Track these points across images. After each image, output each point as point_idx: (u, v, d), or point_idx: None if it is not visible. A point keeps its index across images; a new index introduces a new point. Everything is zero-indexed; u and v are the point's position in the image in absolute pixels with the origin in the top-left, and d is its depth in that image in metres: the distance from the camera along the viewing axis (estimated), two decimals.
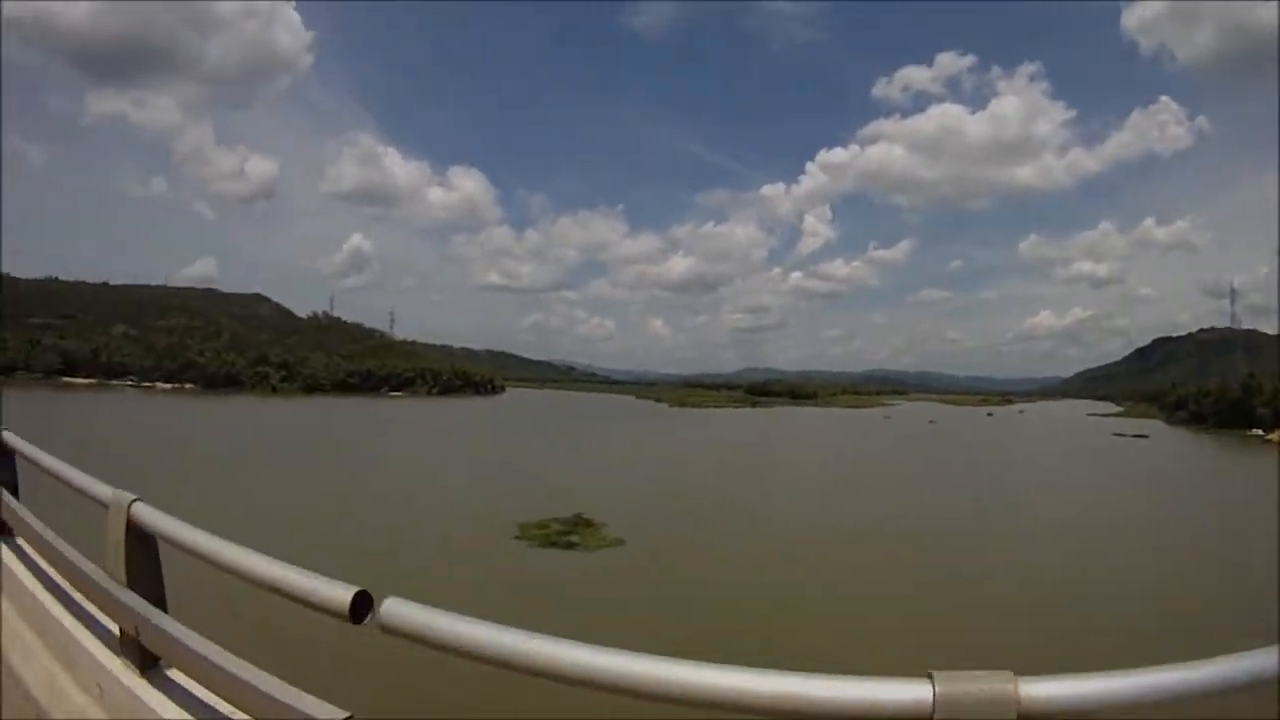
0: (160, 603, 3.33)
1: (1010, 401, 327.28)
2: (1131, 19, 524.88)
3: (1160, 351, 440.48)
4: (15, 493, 5.30)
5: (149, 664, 3.26)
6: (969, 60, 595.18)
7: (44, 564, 4.51)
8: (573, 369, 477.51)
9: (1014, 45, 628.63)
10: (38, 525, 4.53)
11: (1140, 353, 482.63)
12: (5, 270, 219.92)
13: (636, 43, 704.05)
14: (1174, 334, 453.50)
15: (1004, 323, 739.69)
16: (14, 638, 4.31)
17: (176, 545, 3.06)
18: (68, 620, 3.91)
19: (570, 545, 30.63)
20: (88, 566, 3.75)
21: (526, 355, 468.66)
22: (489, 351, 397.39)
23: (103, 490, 3.59)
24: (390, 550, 27.13)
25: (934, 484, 54.47)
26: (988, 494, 49.79)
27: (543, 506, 36.04)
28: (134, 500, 3.31)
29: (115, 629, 3.51)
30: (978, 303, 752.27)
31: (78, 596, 3.99)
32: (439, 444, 73.75)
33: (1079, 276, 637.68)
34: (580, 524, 33.35)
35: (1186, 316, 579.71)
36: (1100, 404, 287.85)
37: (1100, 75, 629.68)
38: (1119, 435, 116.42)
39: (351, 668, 12.01)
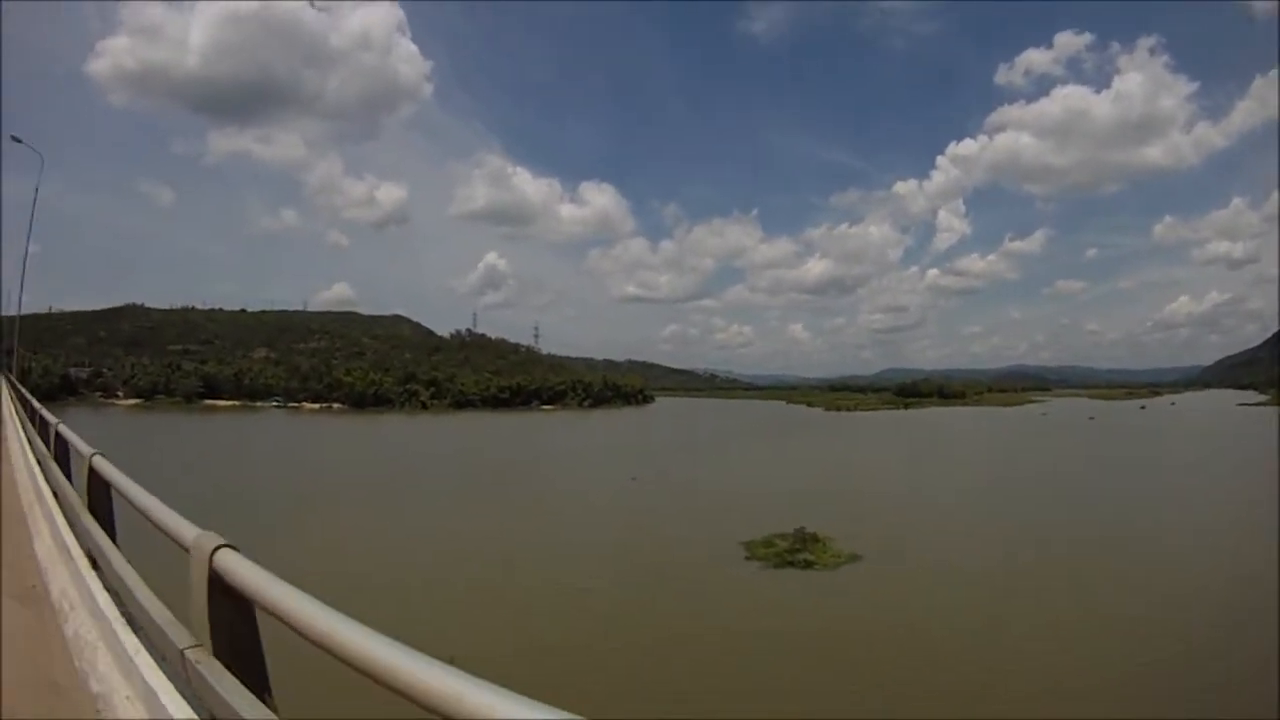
0: (256, 678, 2.54)
1: (1157, 393, 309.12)
2: None
3: None
4: (111, 527, 4.89)
5: None
6: (1087, 38, 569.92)
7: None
8: (715, 376, 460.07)
9: (1130, 19, 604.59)
10: (123, 569, 3.99)
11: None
12: (140, 302, 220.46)
13: (756, 49, 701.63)
14: None
15: (1143, 311, 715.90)
16: (108, 693, 3.55)
17: (266, 608, 2.32)
18: (159, 682, 3.08)
19: (808, 564, 28.86)
20: (167, 623, 3.06)
21: (667, 364, 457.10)
22: (630, 362, 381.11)
23: (186, 530, 2.95)
24: (642, 581, 26.38)
25: (1153, 490, 50.18)
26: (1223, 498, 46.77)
27: (754, 522, 34.65)
28: (220, 546, 2.59)
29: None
30: (1115, 291, 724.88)
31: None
32: (620, 460, 67.65)
33: (1215, 257, 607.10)
34: (808, 540, 31.01)
35: None
36: (1244, 393, 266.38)
37: (1218, 43, 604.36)
38: None
39: None
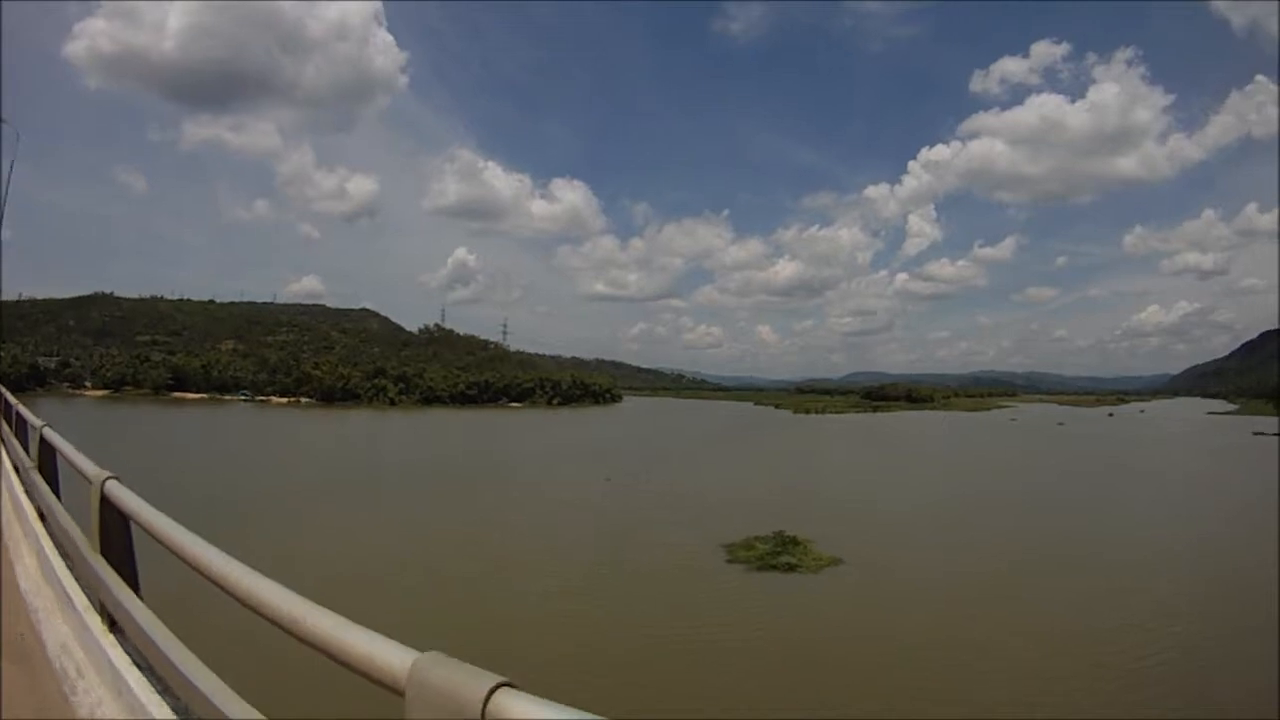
0: None
1: (1124, 400, 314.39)
2: None
3: (1270, 345, 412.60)
4: (132, 575, 3.80)
5: None
6: (1064, 48, 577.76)
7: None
8: (683, 376, 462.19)
9: (1108, 30, 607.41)
10: (162, 638, 3.07)
11: (1248, 347, 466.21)
12: (110, 290, 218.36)
13: (733, 49, 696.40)
14: None
15: (1111, 319, 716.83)
16: None
17: None
18: None
19: (790, 567, 28.85)
20: None
21: (634, 363, 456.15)
22: (599, 360, 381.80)
23: (397, 660, 1.79)
24: (626, 585, 26.18)
25: (1140, 493, 52.62)
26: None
27: (732, 524, 35.16)
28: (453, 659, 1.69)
29: None
30: (1084, 300, 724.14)
31: None
32: (592, 460, 66.95)
33: (1185, 268, 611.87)
34: (788, 543, 31.41)
35: None
36: (1212, 401, 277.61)
37: (1195, 57, 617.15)
38: (1259, 434, 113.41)
39: None
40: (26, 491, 6.97)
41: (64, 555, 4.95)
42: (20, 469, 7.88)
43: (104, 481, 3.93)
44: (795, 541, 31.47)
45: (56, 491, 5.95)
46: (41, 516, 6.01)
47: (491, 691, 1.58)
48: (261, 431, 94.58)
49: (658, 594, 25.16)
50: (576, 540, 33.75)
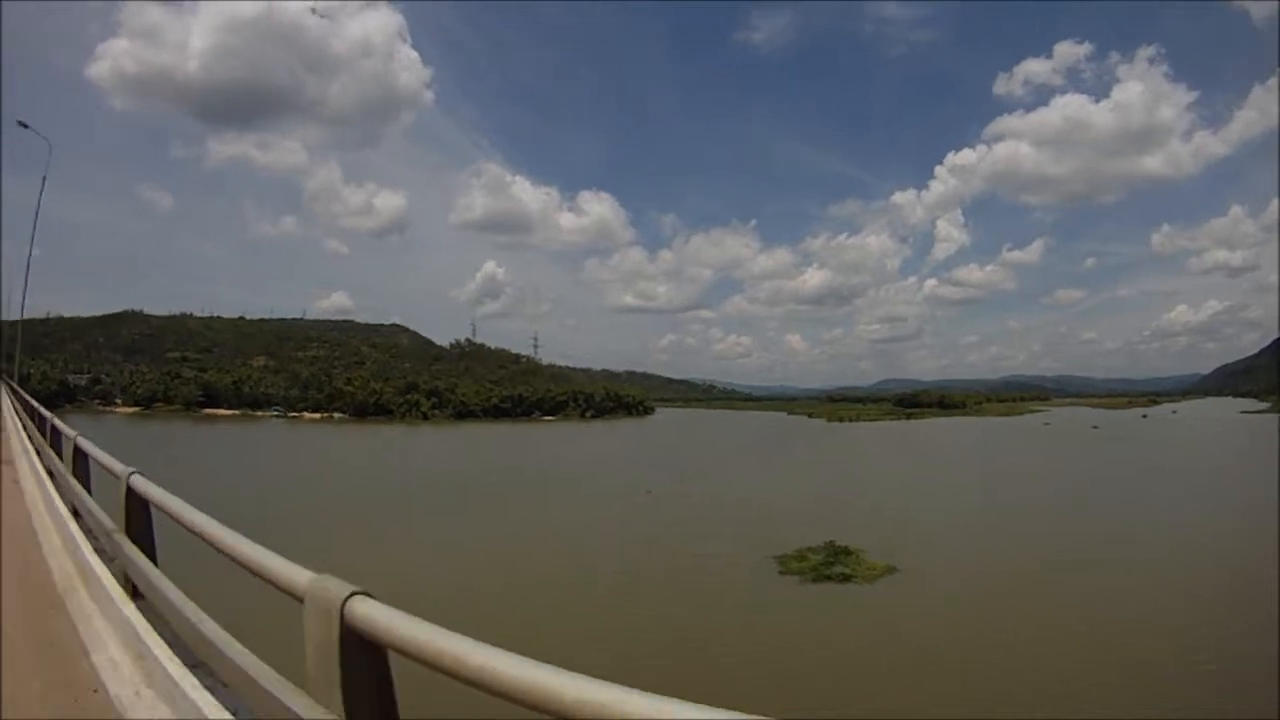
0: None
1: (1156, 402, 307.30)
2: None
3: None
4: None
5: None
6: (1086, 48, 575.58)
7: None
8: (714, 387, 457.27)
9: (1129, 28, 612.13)
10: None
11: (1279, 343, 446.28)
12: (138, 308, 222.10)
13: (756, 58, 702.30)
14: None
15: (1140, 320, 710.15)
16: None
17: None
18: None
19: (845, 577, 28.11)
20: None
21: (665, 375, 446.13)
22: (629, 372, 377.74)
23: None
24: (686, 600, 25.48)
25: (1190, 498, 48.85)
26: None
27: (779, 535, 34.46)
28: None
29: None
30: (1113, 300, 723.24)
31: None
32: (632, 472, 64.89)
33: (1214, 266, 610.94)
34: (840, 552, 30.72)
35: None
36: (1244, 401, 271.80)
37: (1218, 52, 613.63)
38: None
39: None
40: (98, 552, 5.69)
41: (191, 665, 3.53)
42: (83, 516, 6.65)
43: (346, 600, 2.27)
44: (847, 551, 30.97)
45: (153, 558, 4.73)
46: (134, 594, 4.68)
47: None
48: (293, 447, 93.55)
49: (711, 609, 24.53)
50: (621, 555, 32.90)
